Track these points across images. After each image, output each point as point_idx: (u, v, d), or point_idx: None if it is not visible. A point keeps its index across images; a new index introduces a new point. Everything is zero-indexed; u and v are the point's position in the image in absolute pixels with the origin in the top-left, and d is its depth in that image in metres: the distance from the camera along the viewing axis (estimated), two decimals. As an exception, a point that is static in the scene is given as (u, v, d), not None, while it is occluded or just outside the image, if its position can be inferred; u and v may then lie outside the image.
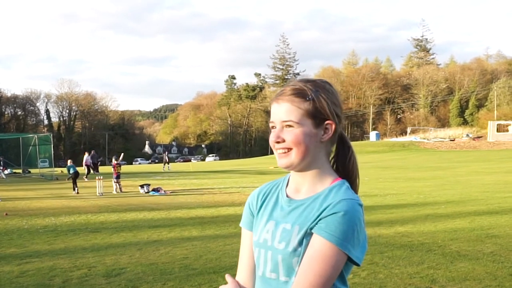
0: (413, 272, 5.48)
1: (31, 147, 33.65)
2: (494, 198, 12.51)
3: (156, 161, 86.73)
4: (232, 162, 56.86)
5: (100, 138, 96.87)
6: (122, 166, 19.01)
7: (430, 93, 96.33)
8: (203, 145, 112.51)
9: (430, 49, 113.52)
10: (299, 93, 1.35)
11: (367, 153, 52.26)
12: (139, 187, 17.68)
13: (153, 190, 17.08)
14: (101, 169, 32.22)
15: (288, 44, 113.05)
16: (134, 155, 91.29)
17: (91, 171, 27.71)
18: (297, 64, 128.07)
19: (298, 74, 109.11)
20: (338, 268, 1.27)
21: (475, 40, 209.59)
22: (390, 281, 5.15)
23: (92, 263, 6.29)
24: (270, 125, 1.40)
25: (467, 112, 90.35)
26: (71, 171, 18.83)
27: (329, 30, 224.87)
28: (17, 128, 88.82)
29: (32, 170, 33.57)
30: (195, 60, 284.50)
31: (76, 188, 17.86)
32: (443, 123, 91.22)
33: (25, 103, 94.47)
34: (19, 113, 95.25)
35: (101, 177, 17.81)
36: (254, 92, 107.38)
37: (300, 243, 1.31)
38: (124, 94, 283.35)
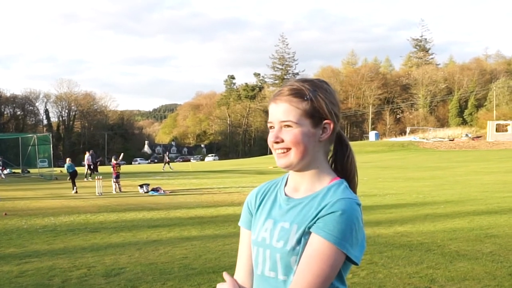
0: (412, 271, 5.49)
1: (30, 147, 33.64)
2: (493, 198, 12.52)
3: (156, 161, 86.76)
4: (232, 162, 56.88)
5: (100, 138, 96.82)
6: (121, 166, 19.02)
7: (429, 93, 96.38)
8: (202, 145, 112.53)
9: (429, 49, 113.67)
10: (297, 93, 1.36)
11: (366, 153, 52.27)
12: (139, 187, 17.68)
13: (153, 190, 17.09)
14: (101, 169, 32.21)
15: (287, 44, 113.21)
16: (134, 155, 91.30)
17: (91, 171, 27.65)
18: (297, 64, 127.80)
19: (297, 74, 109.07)
20: (336, 267, 1.27)
21: (474, 40, 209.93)
22: (389, 280, 5.15)
23: (92, 263, 6.29)
24: (269, 125, 1.40)
25: (466, 112, 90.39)
26: (70, 170, 18.83)
27: (329, 30, 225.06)
28: (16, 128, 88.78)
29: (31, 170, 33.57)
30: (194, 60, 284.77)
31: (75, 188, 17.87)
32: (442, 123, 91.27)
33: (25, 103, 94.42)
34: (18, 113, 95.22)
35: (101, 177, 17.82)
36: (254, 92, 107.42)
37: (298, 242, 1.31)
38: (124, 94, 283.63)
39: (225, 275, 1.47)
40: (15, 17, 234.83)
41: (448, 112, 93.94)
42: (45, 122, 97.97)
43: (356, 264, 1.30)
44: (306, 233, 1.30)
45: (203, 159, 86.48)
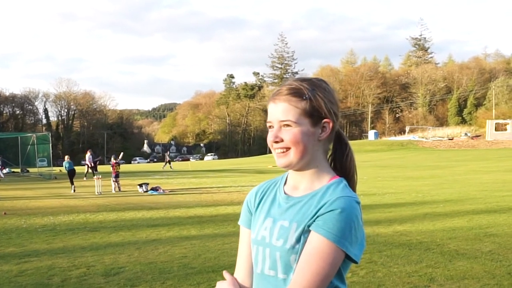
0: (412, 270, 5.49)
1: (29, 146, 33.61)
2: (493, 197, 12.53)
3: (155, 160, 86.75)
4: (231, 161, 56.87)
5: (99, 137, 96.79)
6: (120, 165, 19.02)
7: (428, 92, 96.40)
8: (201, 144, 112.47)
9: (428, 48, 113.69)
10: (296, 93, 1.36)
11: (366, 152, 52.28)
12: (138, 186, 17.67)
13: (152, 189, 17.08)
14: (100, 168, 32.18)
15: (286, 43, 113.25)
16: (133, 154, 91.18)
17: (90, 171, 27.61)
18: (296, 63, 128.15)
19: (296, 73, 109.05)
20: (336, 265, 1.27)
21: (473, 39, 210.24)
22: (388, 279, 5.16)
23: (91, 262, 6.29)
24: (268, 124, 1.40)
25: (466, 111, 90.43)
26: (68, 168, 18.82)
27: (328, 29, 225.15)
28: (16, 127, 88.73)
29: (31, 169, 33.56)
30: (193, 59, 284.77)
31: (73, 187, 17.85)
32: (442, 122, 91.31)
33: (24, 102, 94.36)
34: (18, 112, 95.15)
35: (100, 176, 17.82)
36: (253, 91, 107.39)
37: (297, 240, 1.31)
38: (123, 93, 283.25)
39: (225, 273, 1.47)
40: (14, 16, 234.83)
41: (447, 111, 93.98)
42: (44, 121, 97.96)
43: (355, 262, 1.30)
44: (305, 231, 1.31)
45: (202, 159, 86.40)
